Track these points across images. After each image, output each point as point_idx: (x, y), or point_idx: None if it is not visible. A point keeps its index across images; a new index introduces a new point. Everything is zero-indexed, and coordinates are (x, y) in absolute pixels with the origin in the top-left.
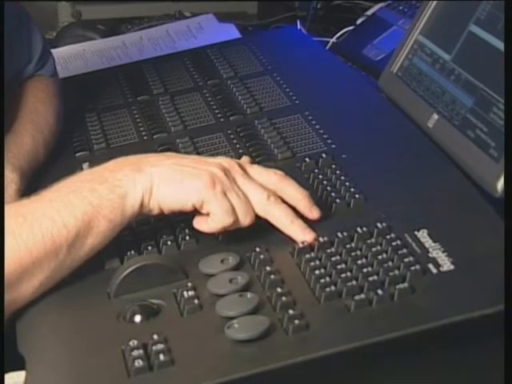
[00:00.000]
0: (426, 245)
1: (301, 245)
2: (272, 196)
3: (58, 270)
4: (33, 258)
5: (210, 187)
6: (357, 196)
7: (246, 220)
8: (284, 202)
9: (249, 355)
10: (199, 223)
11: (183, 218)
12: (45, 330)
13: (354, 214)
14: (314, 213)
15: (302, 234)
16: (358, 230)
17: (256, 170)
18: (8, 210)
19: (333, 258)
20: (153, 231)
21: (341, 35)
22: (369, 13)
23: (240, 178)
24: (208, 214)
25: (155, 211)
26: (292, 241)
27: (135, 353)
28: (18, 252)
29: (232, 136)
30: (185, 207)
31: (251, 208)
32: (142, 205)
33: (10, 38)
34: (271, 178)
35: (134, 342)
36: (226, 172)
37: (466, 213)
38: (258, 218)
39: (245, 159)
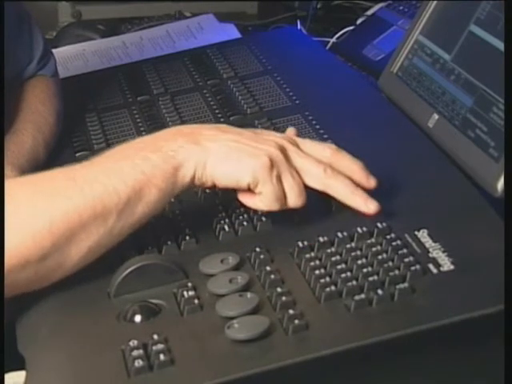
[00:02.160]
0: (426, 245)
1: (367, 211)
2: (328, 169)
3: (106, 236)
4: (82, 221)
5: (268, 169)
6: None
7: (297, 203)
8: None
9: (249, 355)
10: (246, 198)
11: (183, 218)
12: (45, 330)
13: (354, 214)
14: (370, 182)
15: (364, 204)
16: (358, 230)
17: (309, 145)
18: (58, 173)
19: (333, 258)
20: (153, 231)
21: (341, 35)
22: (369, 13)
23: (295, 156)
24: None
25: (208, 184)
26: (292, 241)
27: (135, 353)
28: (66, 214)
29: None
30: (239, 185)
31: (304, 189)
32: (193, 178)
33: (11, 37)
34: (325, 151)
35: (133, 342)
36: (283, 150)
37: (466, 213)
38: (262, 216)
39: (290, 131)
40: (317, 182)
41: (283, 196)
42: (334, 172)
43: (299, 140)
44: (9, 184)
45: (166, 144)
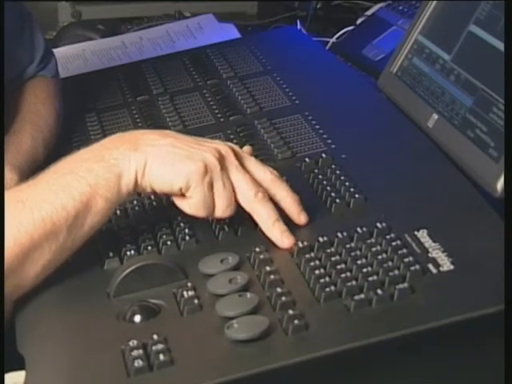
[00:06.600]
0: (426, 245)
1: (281, 245)
2: (260, 193)
3: (59, 252)
4: (34, 242)
5: (201, 175)
6: (357, 196)
7: (224, 213)
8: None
9: (249, 355)
10: (177, 200)
11: (183, 219)
12: (44, 330)
13: (354, 214)
14: (301, 218)
15: (280, 238)
16: (358, 230)
17: (252, 164)
18: (7, 196)
19: (333, 258)
20: (152, 231)
21: (341, 35)
22: (369, 13)
23: (233, 169)
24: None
25: (148, 190)
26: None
27: (135, 353)
28: (18, 238)
29: (232, 136)
30: (172, 190)
31: (233, 201)
32: (136, 183)
33: (12, 38)
34: (266, 175)
35: (133, 342)
36: (221, 159)
37: (466, 213)
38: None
39: (246, 149)
40: (245, 202)
41: (212, 204)
42: (265, 199)
43: (245, 156)
44: None
45: (108, 152)
